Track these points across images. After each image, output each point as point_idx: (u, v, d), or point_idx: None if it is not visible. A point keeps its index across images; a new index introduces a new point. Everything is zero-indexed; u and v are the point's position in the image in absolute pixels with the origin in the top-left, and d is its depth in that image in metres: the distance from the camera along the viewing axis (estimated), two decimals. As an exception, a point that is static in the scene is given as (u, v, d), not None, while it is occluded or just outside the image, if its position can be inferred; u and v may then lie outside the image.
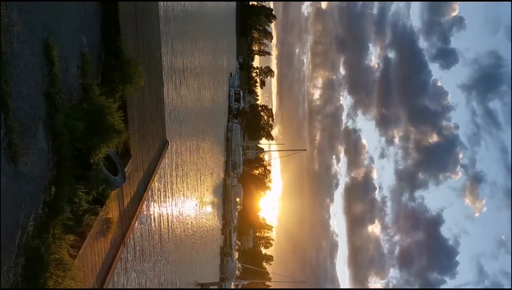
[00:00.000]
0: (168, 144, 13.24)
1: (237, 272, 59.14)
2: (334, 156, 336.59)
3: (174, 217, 17.84)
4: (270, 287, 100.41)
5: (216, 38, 42.48)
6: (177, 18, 18.67)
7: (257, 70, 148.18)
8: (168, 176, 16.18)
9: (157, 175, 12.12)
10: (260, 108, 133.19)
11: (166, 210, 15.99)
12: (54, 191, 5.04)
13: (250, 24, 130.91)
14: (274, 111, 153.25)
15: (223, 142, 56.55)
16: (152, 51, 11.00)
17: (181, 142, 19.29)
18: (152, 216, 13.36)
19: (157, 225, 14.21)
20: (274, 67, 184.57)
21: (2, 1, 4.03)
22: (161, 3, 14.38)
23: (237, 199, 61.71)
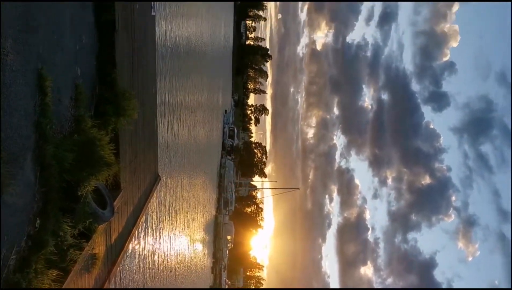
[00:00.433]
0: (160, 179, 13.11)
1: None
2: (327, 196, 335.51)
3: (163, 254, 17.47)
4: None
5: (212, 76, 42.98)
6: (174, 55, 18.90)
7: (252, 108, 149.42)
8: (159, 211, 15.94)
9: (147, 210, 11.92)
10: (254, 145, 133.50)
11: (155, 246, 15.66)
12: (38, 224, 4.90)
13: (246, 63, 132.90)
14: (267, 148, 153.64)
15: (216, 178, 56.26)
16: (147, 86, 11.05)
17: (173, 177, 19.13)
18: (140, 253, 13.05)
19: (145, 262, 13.87)
20: (268, 105, 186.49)
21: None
22: (158, 39, 14.58)
23: (228, 237, 60.83)
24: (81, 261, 5.74)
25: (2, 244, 4.22)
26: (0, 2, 4.08)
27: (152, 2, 11.18)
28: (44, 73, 5.00)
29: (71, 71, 6.15)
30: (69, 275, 5.37)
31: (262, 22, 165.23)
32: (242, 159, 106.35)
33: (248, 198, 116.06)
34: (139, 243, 12.77)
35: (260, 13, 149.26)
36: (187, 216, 24.81)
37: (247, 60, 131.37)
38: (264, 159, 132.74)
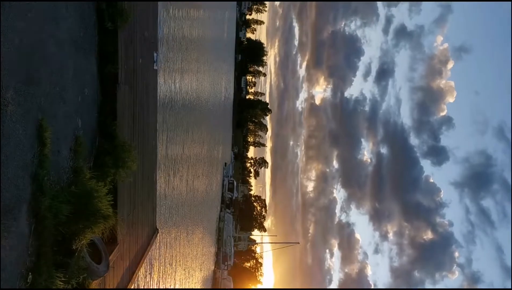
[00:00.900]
0: (158, 233, 12.85)
1: None
2: (327, 250, 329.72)
3: (159, 311, 16.84)
4: None
5: (212, 129, 43.38)
6: (175, 108, 19.13)
7: (252, 161, 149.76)
8: (156, 266, 15.53)
9: (144, 264, 11.60)
10: (253, 198, 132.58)
11: (151, 303, 15.12)
12: (30, 279, 4.71)
13: (247, 116, 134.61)
14: (267, 202, 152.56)
15: (215, 232, 55.39)
16: (147, 138, 11.08)
17: (171, 231, 18.80)
18: (135, 310, 12.57)
19: (140, 319, 13.33)
20: (268, 159, 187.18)
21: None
22: (160, 95, 14.79)
23: (227, 293, 59.04)
24: (73, 319, 5.48)
25: (-9, 301, 4.04)
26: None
27: (155, 56, 11.42)
28: (44, 124, 5.00)
29: (72, 122, 6.15)
30: (60, 334, 5.11)
31: (262, 78, 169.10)
32: (242, 213, 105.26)
33: (248, 252, 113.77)
34: (134, 299, 12.33)
35: (260, 68, 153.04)
36: (185, 271, 24.17)
37: (247, 114, 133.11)
38: (263, 213, 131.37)
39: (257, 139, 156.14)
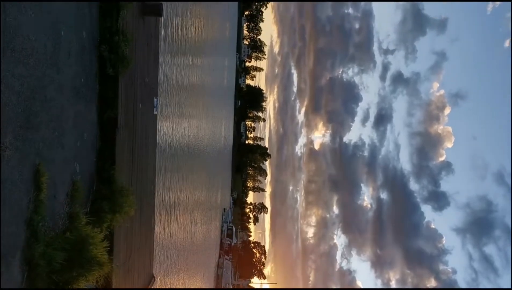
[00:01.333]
0: (154, 280, 12.53)
1: None
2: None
3: None
4: None
5: (211, 174, 43.26)
6: (174, 153, 19.14)
7: (251, 206, 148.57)
8: (152, 315, 15.03)
9: (139, 314, 11.23)
10: (252, 244, 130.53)
11: None
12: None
13: (246, 161, 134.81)
14: (267, 248, 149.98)
15: (213, 279, 54.16)
16: (146, 183, 11.01)
17: (168, 278, 18.35)
18: None
19: None
20: (267, 204, 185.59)
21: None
22: (159, 140, 14.84)
23: None
24: None
25: None
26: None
27: (155, 101, 11.53)
28: (41, 169, 4.96)
29: (69, 167, 6.12)
30: None
31: (261, 123, 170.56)
32: (241, 259, 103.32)
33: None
34: None
35: (260, 114, 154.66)
36: (181, 321, 23.40)
37: (246, 158, 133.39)
38: (263, 259, 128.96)
39: (256, 184, 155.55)
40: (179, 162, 20.86)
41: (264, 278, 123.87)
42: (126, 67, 7.85)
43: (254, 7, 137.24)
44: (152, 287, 12.11)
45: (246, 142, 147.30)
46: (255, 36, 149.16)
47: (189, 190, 25.41)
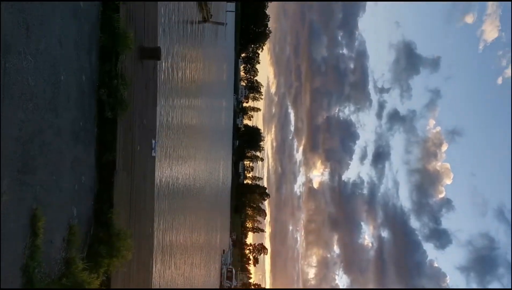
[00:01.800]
0: (152, 327, 12.17)
1: None
2: None
3: None
4: None
5: (210, 215, 42.87)
6: (172, 195, 19.02)
7: (251, 247, 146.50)
8: None
9: None
10: (253, 287, 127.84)
11: None
12: None
13: (245, 201, 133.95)
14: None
15: (213, 325, 52.62)
16: (144, 226, 10.87)
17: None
18: None
19: None
20: (267, 244, 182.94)
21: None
22: (157, 181, 14.78)
23: None
24: None
25: None
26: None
27: (153, 143, 11.56)
28: (38, 213, 4.90)
29: (66, 211, 6.05)
30: None
31: (260, 162, 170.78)
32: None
33: None
34: None
35: (258, 153, 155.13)
36: None
37: (245, 199, 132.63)
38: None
39: (255, 225, 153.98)
40: (177, 203, 20.71)
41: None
42: (125, 110, 7.91)
43: (251, 49, 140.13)
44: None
45: (245, 182, 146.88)
46: (252, 77, 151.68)
47: (188, 232, 25.11)
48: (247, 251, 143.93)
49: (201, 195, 33.49)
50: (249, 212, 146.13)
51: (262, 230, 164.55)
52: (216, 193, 52.69)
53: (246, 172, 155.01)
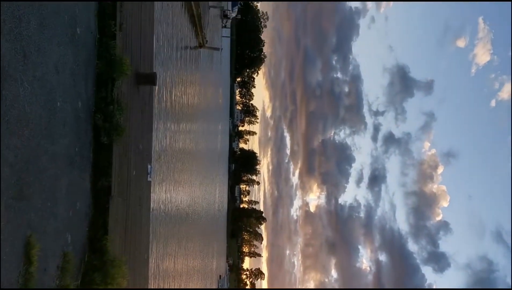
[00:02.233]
0: None
1: None
2: None
3: None
4: None
5: (206, 240, 42.47)
6: (168, 220, 18.87)
7: (247, 272, 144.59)
8: None
9: None
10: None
11: None
12: None
13: (241, 226, 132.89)
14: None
15: None
16: (139, 251, 10.76)
17: None
18: None
19: None
20: (264, 269, 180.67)
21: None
22: (153, 206, 14.69)
23: None
24: None
25: None
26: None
27: (149, 168, 11.53)
28: (32, 241, 4.85)
29: (61, 239, 5.99)
30: None
31: (256, 186, 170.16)
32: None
33: None
34: None
35: (254, 177, 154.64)
36: None
37: (241, 223, 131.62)
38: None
39: (252, 249, 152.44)
40: (173, 228, 20.54)
41: None
42: (120, 135, 7.92)
43: (246, 73, 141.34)
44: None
45: (241, 206, 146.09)
46: (248, 101, 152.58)
47: (184, 257, 24.83)
48: (244, 276, 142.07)
49: (197, 220, 33.25)
50: (246, 236, 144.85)
51: (259, 255, 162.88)
52: (212, 218, 52.33)
53: (242, 196, 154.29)
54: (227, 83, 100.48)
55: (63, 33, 6.13)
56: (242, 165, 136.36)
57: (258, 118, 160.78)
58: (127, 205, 9.14)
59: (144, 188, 11.41)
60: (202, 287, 37.19)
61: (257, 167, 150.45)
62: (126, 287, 7.88)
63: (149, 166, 11.66)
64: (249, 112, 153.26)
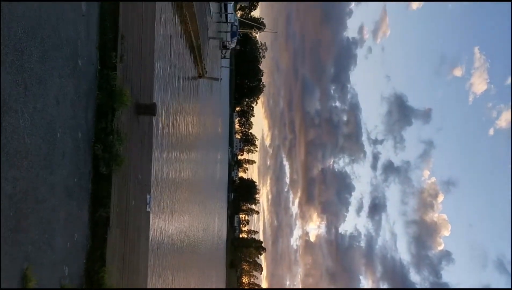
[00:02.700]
0: None
1: None
2: None
3: None
4: None
5: (204, 271, 41.89)
6: (167, 251, 18.67)
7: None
8: None
9: None
10: None
11: None
12: None
13: (240, 256, 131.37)
14: None
15: None
16: (137, 283, 10.59)
17: None
18: None
19: None
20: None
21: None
22: (152, 237, 14.55)
23: None
24: None
25: None
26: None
27: (148, 198, 11.48)
28: (29, 274, 4.79)
29: (58, 271, 5.91)
30: None
31: (255, 215, 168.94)
32: None
33: None
34: None
35: (253, 206, 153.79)
36: None
37: (241, 253, 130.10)
38: None
39: (252, 280, 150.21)
40: (172, 260, 20.29)
41: None
42: (120, 166, 7.92)
43: (245, 103, 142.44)
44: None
45: (240, 235, 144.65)
46: (247, 130, 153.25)
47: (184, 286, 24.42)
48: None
49: (196, 251, 32.88)
50: (245, 267, 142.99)
51: (259, 285, 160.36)
52: (211, 248, 51.76)
53: (241, 225, 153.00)
54: (227, 112, 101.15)
55: (64, 65, 6.21)
56: (241, 194, 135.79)
57: (257, 147, 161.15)
58: (125, 236, 9.05)
59: (143, 218, 11.33)
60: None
61: (257, 196, 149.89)
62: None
63: (148, 196, 11.61)
64: (248, 141, 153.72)
